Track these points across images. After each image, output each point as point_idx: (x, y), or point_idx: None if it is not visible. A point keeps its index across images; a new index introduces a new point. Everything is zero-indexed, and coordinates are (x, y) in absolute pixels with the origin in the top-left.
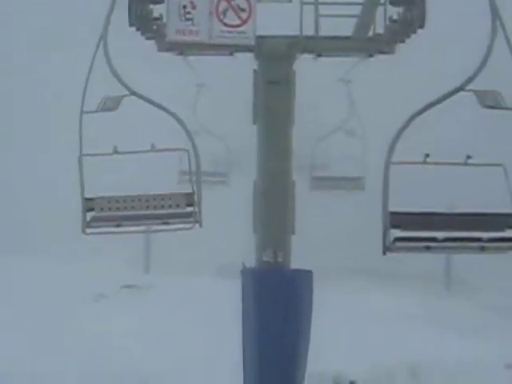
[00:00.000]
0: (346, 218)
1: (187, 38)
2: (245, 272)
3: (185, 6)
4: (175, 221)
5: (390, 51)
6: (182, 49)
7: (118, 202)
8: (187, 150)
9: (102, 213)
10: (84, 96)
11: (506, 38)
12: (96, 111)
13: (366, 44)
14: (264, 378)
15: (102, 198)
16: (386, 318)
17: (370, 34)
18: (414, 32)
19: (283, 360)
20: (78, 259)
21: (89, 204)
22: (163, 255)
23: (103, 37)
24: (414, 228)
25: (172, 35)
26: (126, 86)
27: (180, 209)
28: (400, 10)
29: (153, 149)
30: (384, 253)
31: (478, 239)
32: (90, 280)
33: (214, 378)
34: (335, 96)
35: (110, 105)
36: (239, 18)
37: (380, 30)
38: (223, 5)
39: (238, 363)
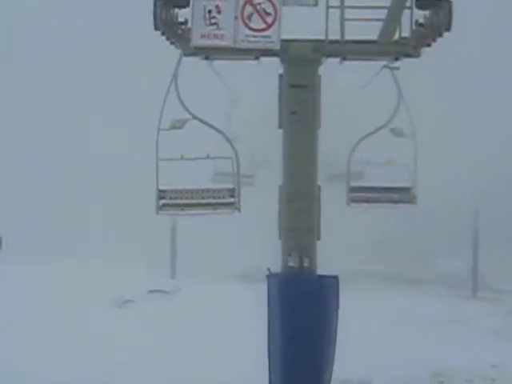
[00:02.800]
0: (374, 223)
1: (212, 43)
2: (271, 277)
3: (210, 11)
4: (222, 207)
5: (416, 55)
6: (207, 53)
7: (181, 192)
8: (232, 158)
9: (170, 201)
10: (161, 117)
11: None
12: (169, 129)
13: (391, 48)
14: (290, 383)
15: (170, 190)
16: (413, 323)
17: (396, 37)
18: (441, 35)
19: (309, 365)
20: (105, 265)
21: (161, 194)
22: (188, 260)
23: (174, 78)
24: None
25: (197, 40)
26: (191, 113)
27: (225, 199)
28: (426, 13)
29: (208, 156)
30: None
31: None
32: (117, 285)
33: (240, 382)
34: (366, 98)
35: (177, 125)
36: (264, 22)
37: (406, 33)
38: (249, 9)
39: (264, 367)
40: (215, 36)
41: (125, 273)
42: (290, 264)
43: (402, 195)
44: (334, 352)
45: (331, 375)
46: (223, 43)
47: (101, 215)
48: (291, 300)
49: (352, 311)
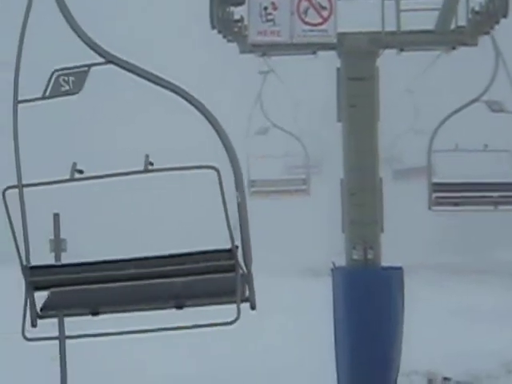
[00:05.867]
0: (427, 216)
1: (269, 39)
2: (336, 271)
3: (266, 8)
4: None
5: (474, 43)
6: (264, 50)
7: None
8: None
9: (259, 188)
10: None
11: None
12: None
13: (448, 37)
14: (358, 376)
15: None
16: (473, 314)
17: (453, 26)
18: (497, 22)
19: (377, 358)
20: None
21: (252, 183)
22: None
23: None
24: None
25: (254, 36)
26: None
27: (299, 186)
28: (482, 0)
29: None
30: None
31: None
32: None
33: (307, 377)
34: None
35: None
36: (320, 16)
37: (462, 22)
38: (304, 4)
39: (331, 362)
40: (272, 32)
41: None
42: (355, 257)
43: (505, 194)
44: (401, 344)
45: (399, 367)
46: (280, 39)
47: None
48: (356, 293)
49: (416, 303)
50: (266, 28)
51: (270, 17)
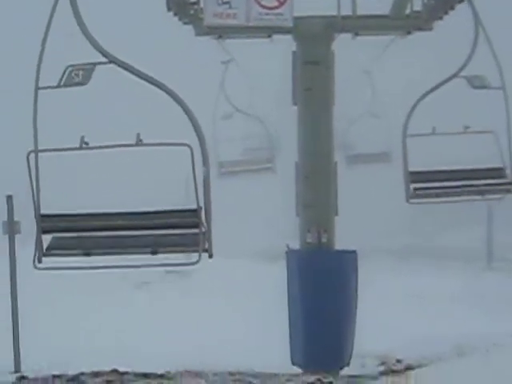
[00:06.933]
0: (380, 201)
1: (225, 22)
2: (290, 254)
3: None
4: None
5: (428, 28)
6: (219, 32)
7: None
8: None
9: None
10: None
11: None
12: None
13: (403, 22)
14: (311, 358)
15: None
16: (426, 297)
17: (408, 11)
18: (452, 8)
19: (330, 340)
20: None
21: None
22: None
23: (222, 86)
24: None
25: (209, 19)
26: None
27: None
28: None
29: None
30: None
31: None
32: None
33: (260, 357)
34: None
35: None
36: None
37: (417, 7)
38: None
39: (285, 344)
40: (228, 15)
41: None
42: (309, 240)
43: (493, 182)
44: (355, 326)
45: (352, 349)
46: (236, 22)
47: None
48: (310, 275)
49: (369, 287)
50: (222, 10)
51: None
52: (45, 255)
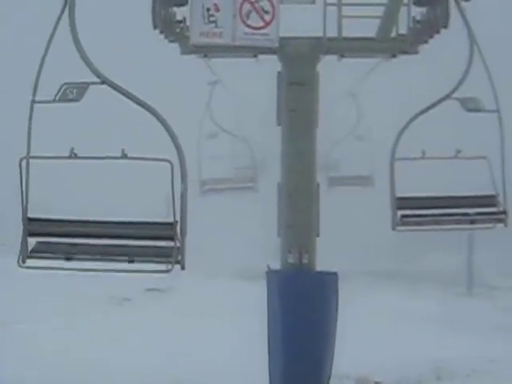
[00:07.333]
0: (359, 219)
1: (211, 41)
2: (270, 274)
3: (208, 9)
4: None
5: (414, 51)
6: (205, 51)
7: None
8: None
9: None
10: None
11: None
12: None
13: (389, 44)
14: (290, 379)
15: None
16: (408, 319)
17: (393, 34)
18: (438, 32)
19: (309, 361)
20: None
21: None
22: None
23: (208, 106)
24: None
25: (196, 37)
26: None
27: (247, 184)
28: (423, 10)
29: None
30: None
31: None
32: (116, 283)
33: (240, 378)
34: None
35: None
36: (263, 20)
37: (403, 30)
38: (247, 7)
39: (264, 364)
40: (214, 34)
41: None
42: (290, 260)
43: (485, 210)
44: (334, 348)
45: (331, 371)
46: (222, 41)
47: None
48: (290, 296)
49: (349, 309)
50: (208, 29)
51: (212, 18)
52: (29, 257)
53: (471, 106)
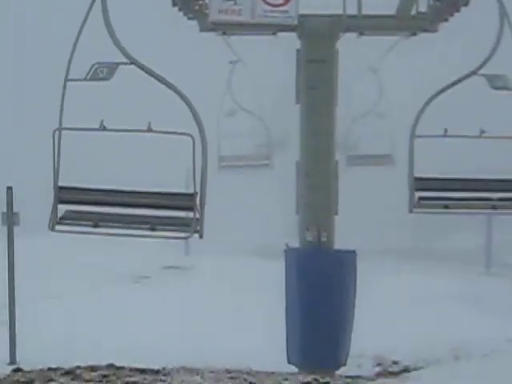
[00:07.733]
0: (378, 199)
1: (230, 18)
2: (289, 252)
3: None
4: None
5: (433, 30)
6: (224, 29)
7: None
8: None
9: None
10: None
11: None
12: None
13: (409, 22)
14: (308, 357)
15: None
16: (425, 299)
17: (413, 12)
18: (458, 10)
19: (327, 339)
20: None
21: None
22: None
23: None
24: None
25: (214, 15)
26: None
27: (263, 161)
28: None
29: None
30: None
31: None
32: (134, 262)
33: (257, 354)
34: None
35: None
36: None
37: (423, 8)
38: None
39: (282, 342)
40: (233, 11)
41: (140, 250)
42: (308, 239)
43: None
44: (352, 326)
45: (349, 350)
46: (241, 18)
47: None
48: (309, 274)
49: (368, 288)
50: (227, 7)
51: None
52: (58, 223)
53: (499, 84)
